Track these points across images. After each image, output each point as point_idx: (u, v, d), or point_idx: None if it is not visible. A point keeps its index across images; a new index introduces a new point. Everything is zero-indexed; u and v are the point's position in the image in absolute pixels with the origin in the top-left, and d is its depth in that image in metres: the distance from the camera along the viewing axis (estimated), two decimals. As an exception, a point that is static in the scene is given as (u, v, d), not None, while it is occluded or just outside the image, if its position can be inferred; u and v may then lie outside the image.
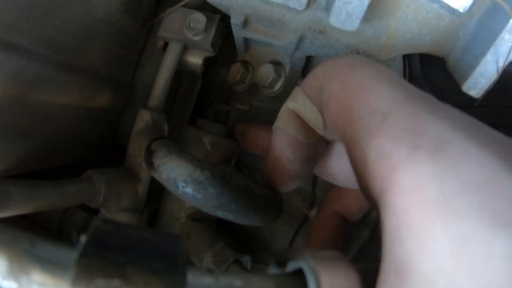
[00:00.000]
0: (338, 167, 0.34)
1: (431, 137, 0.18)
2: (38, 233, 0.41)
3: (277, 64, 0.48)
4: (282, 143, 0.30)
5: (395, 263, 0.17)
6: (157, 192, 0.50)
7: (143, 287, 0.15)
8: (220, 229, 0.50)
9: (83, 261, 0.15)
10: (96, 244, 0.16)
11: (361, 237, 0.52)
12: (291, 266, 0.21)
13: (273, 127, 0.32)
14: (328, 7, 0.35)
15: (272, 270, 0.22)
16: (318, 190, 0.54)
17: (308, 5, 0.36)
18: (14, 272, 0.15)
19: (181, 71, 0.51)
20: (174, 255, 0.17)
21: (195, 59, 0.49)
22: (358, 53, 0.39)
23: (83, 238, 0.16)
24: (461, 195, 0.16)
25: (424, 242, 0.16)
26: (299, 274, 0.19)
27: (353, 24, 0.34)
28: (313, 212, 0.53)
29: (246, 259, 0.45)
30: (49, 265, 0.15)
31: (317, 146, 0.31)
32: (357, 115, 0.22)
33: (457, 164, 0.17)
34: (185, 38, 0.46)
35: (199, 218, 0.49)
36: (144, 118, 0.44)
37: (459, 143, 0.18)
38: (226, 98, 0.56)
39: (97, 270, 0.15)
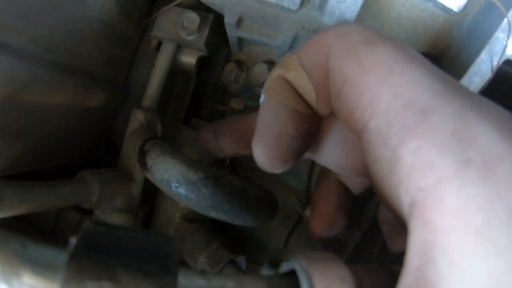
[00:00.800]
0: (336, 153, 0.29)
1: (481, 149, 0.17)
2: (32, 235, 0.41)
3: (271, 63, 0.48)
4: (281, 116, 0.26)
5: (423, 282, 0.17)
6: (152, 193, 0.50)
7: (133, 289, 0.15)
8: (215, 229, 0.50)
9: (73, 263, 0.15)
10: (86, 246, 0.16)
11: (354, 238, 0.52)
12: (284, 267, 0.20)
13: (264, 99, 0.27)
14: (322, 6, 0.35)
15: (266, 271, 0.22)
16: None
17: (302, 4, 0.36)
18: (5, 274, 0.15)
19: (175, 71, 0.51)
20: (166, 256, 0.17)
21: (189, 59, 0.49)
22: None
23: (73, 240, 0.16)
24: (506, 228, 0.16)
25: (461, 271, 0.16)
26: (292, 275, 0.19)
27: (347, 23, 0.34)
28: (307, 212, 0.53)
29: (241, 260, 0.45)
30: (40, 267, 0.15)
31: (314, 118, 0.27)
32: (386, 106, 0.19)
33: (506, 190, 0.16)
34: (178, 37, 0.46)
35: (193, 218, 0.49)
36: (137, 118, 0.44)
37: (509, 160, 0.17)
38: (220, 97, 0.56)
39: (87, 272, 0.15)
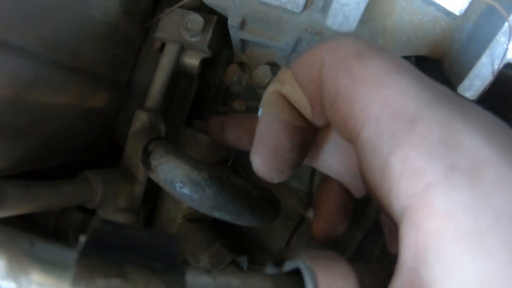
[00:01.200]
0: (335, 160, 0.31)
1: (468, 154, 0.17)
2: (35, 234, 0.41)
3: (274, 65, 0.49)
4: (276, 129, 0.28)
5: (417, 283, 0.17)
6: (154, 193, 0.50)
7: (142, 286, 0.15)
8: (217, 229, 0.50)
9: (83, 261, 0.15)
10: (95, 244, 0.16)
11: (355, 239, 0.52)
12: (288, 266, 0.21)
13: (261, 113, 0.29)
14: (325, 9, 0.36)
15: (270, 269, 0.22)
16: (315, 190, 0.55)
17: (305, 7, 0.36)
18: (13, 272, 0.15)
19: (178, 72, 0.51)
20: (173, 254, 0.17)
21: (192, 60, 0.49)
22: None
23: (82, 238, 0.16)
24: (493, 230, 0.16)
25: (452, 272, 0.16)
26: (296, 273, 0.20)
27: (350, 26, 0.35)
28: (309, 213, 0.53)
29: (243, 260, 0.45)
30: (49, 265, 0.15)
31: (309, 130, 0.28)
32: (376, 116, 0.20)
33: (492, 194, 0.17)
34: (182, 39, 0.47)
35: (195, 219, 0.49)
36: (141, 118, 0.44)
37: (495, 165, 0.17)
38: (222, 99, 0.56)
39: (97, 270, 0.15)
